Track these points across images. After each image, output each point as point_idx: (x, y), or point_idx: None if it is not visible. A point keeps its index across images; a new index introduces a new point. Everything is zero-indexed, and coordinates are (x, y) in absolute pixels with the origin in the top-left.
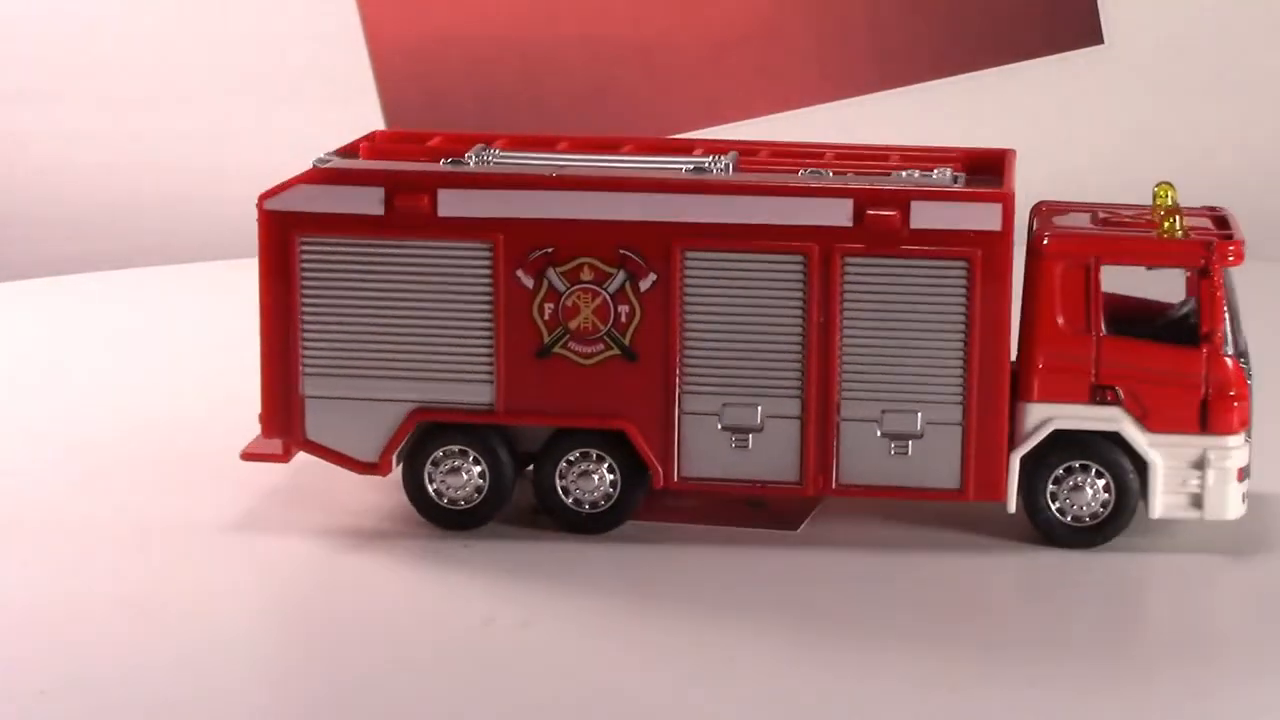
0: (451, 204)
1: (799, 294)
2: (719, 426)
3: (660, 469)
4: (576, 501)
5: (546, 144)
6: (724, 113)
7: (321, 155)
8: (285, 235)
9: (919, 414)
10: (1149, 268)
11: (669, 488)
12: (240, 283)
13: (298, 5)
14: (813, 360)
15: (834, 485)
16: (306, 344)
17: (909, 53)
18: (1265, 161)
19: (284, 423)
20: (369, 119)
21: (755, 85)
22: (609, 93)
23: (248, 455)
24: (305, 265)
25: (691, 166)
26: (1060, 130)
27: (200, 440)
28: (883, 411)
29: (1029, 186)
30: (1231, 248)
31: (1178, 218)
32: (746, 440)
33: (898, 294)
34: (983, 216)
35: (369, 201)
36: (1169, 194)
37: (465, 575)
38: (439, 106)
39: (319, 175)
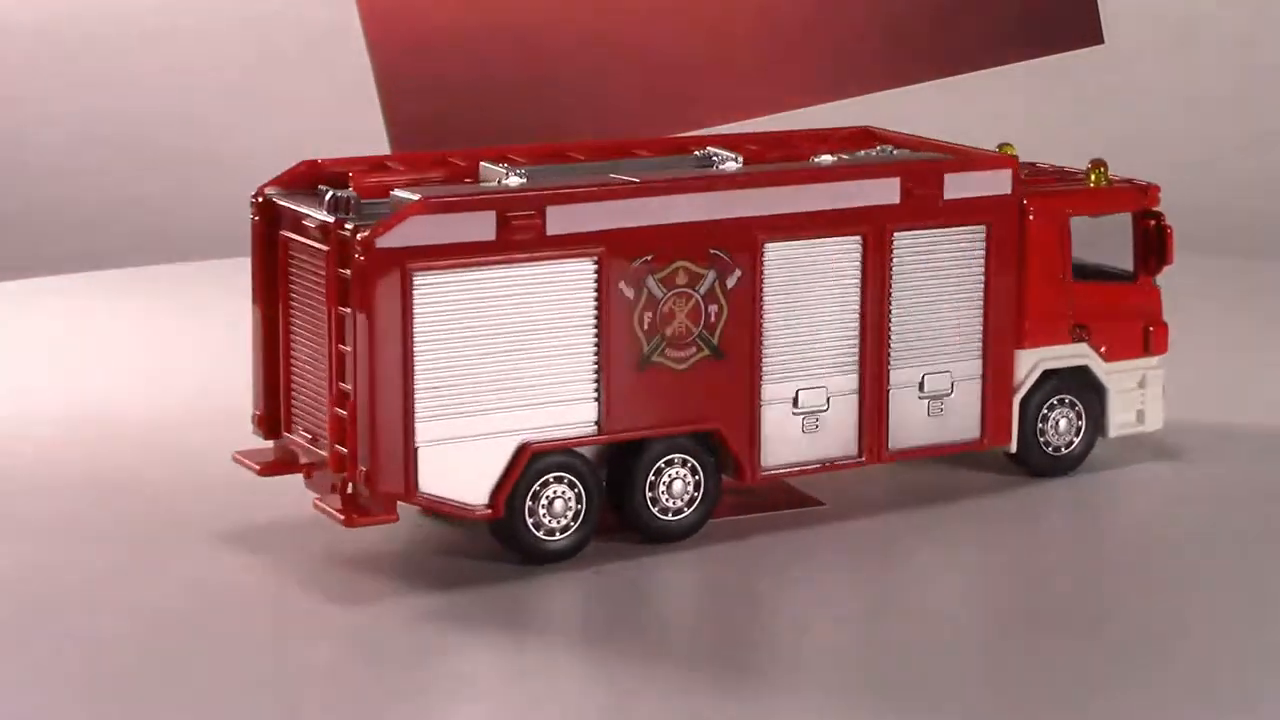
0: (560, 221)
1: (857, 273)
2: (793, 413)
3: (747, 465)
4: (663, 510)
5: (498, 155)
6: (724, 113)
7: (321, 188)
8: (401, 273)
9: (950, 373)
10: (1095, 216)
11: (753, 483)
12: (238, 282)
13: (298, 5)
14: (867, 335)
15: (886, 453)
16: (421, 387)
17: (909, 52)
18: (1265, 161)
19: (399, 477)
20: (368, 119)
21: (755, 85)
22: (609, 93)
23: (354, 522)
24: (420, 302)
25: (702, 161)
26: (1060, 130)
27: (200, 442)
28: (924, 375)
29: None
30: (1156, 190)
31: (1102, 170)
32: (816, 423)
33: (934, 263)
34: (997, 182)
35: (481, 227)
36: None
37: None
38: (439, 106)
39: (430, 206)
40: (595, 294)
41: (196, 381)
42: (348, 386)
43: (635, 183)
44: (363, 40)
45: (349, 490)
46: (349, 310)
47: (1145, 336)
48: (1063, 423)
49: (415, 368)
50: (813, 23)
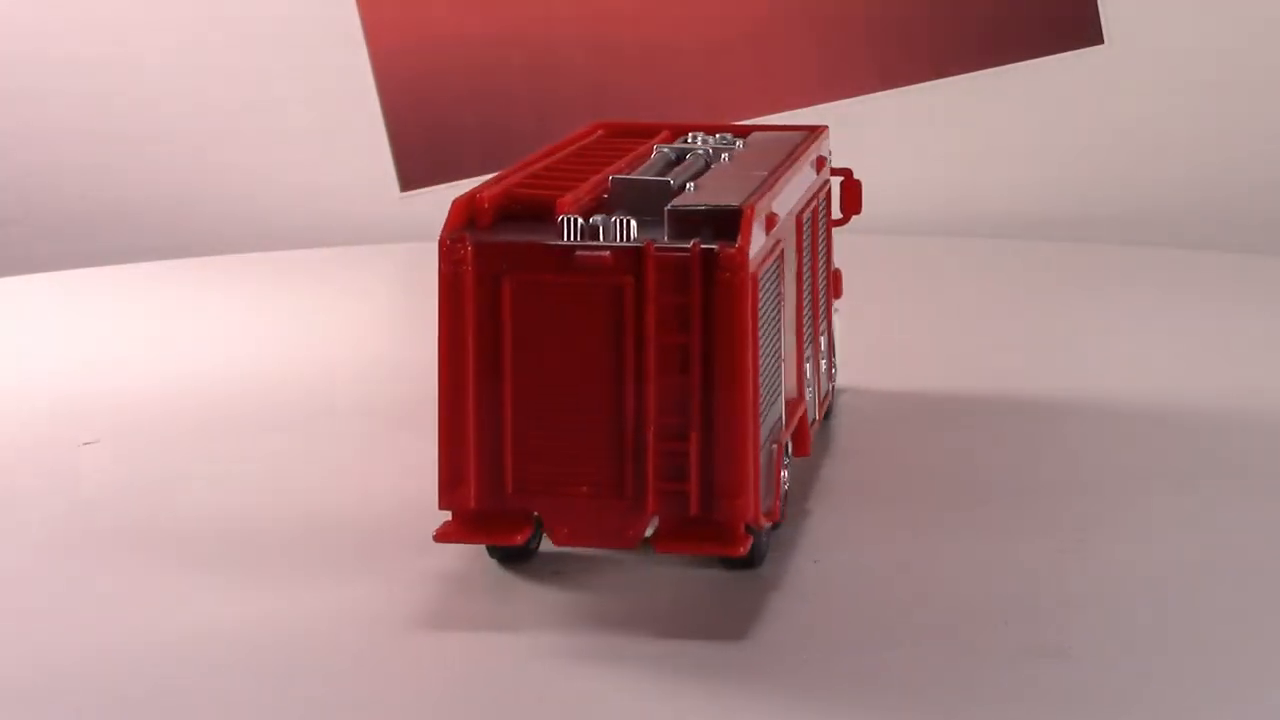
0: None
1: (811, 244)
2: (807, 384)
3: (808, 437)
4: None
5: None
6: (724, 113)
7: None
8: (755, 285)
9: (824, 335)
10: None
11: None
12: (238, 281)
13: (297, 6)
14: (816, 309)
15: (819, 417)
16: (762, 402)
17: (909, 53)
18: (1265, 161)
19: (754, 501)
20: (368, 120)
21: (755, 85)
22: (609, 93)
23: (742, 551)
24: (759, 315)
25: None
26: (1060, 130)
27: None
28: (821, 337)
29: (1030, 185)
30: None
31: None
32: (812, 392)
33: (821, 228)
34: (825, 148)
35: (762, 230)
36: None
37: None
38: (439, 107)
39: (754, 213)
40: (778, 283)
41: (202, 380)
42: (672, 420)
43: (764, 174)
44: (363, 40)
45: (654, 529)
46: (688, 336)
47: (837, 283)
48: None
49: (756, 379)
50: (812, 23)
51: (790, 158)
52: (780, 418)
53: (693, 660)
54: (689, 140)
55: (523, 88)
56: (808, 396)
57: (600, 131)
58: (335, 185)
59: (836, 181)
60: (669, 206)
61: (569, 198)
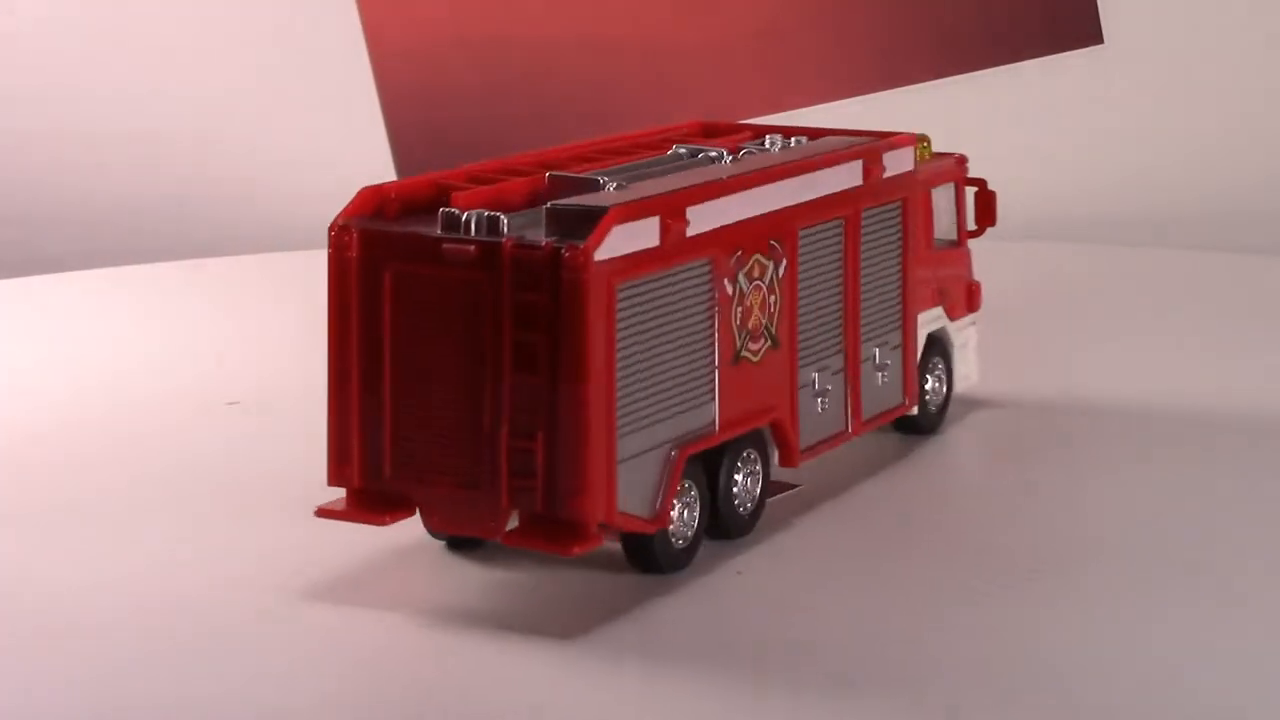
0: (695, 222)
1: (841, 254)
2: (813, 394)
3: (794, 449)
4: (740, 505)
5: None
6: (725, 113)
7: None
8: (609, 288)
9: (889, 344)
10: (936, 187)
11: (796, 465)
12: (237, 281)
13: (298, 6)
14: (849, 313)
15: (860, 426)
16: (621, 402)
17: (909, 53)
18: (1265, 161)
19: (604, 500)
20: (369, 120)
21: (755, 85)
22: (609, 93)
23: (574, 551)
24: (621, 316)
25: (692, 154)
26: (1060, 130)
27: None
28: (875, 348)
29: (1029, 185)
30: (965, 159)
31: (926, 144)
32: (826, 402)
33: (881, 241)
34: (907, 160)
35: (650, 233)
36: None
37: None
38: (439, 108)
39: (624, 213)
40: (711, 293)
41: (202, 380)
42: (524, 416)
43: (729, 179)
44: (363, 41)
45: (515, 523)
46: (533, 334)
47: (969, 295)
48: (935, 381)
49: (618, 383)
50: (813, 23)
51: (795, 166)
52: (702, 426)
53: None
54: (764, 143)
55: (522, 88)
56: (817, 408)
57: (685, 129)
58: (336, 185)
59: (953, 191)
60: (548, 204)
61: (470, 193)
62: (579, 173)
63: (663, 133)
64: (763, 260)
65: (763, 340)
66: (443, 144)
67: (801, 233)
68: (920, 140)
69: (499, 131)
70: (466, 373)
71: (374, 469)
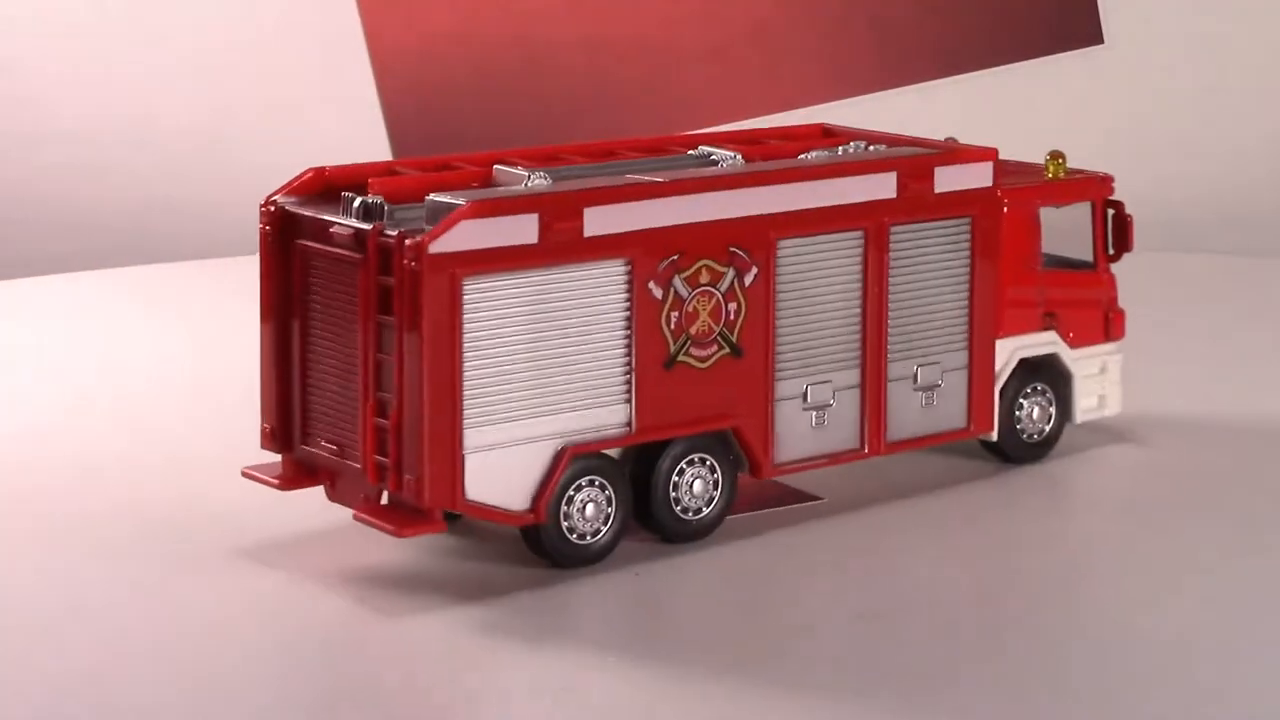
0: (596, 222)
1: (859, 268)
2: (803, 408)
3: (762, 461)
4: (684, 510)
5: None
6: (724, 113)
7: (347, 193)
8: (452, 279)
9: (940, 364)
10: (1059, 206)
11: (766, 477)
12: (238, 282)
13: (298, 6)
14: (867, 329)
15: (885, 445)
16: (469, 394)
17: (909, 53)
18: (1264, 161)
19: (447, 487)
20: (369, 120)
21: (755, 85)
22: (609, 93)
23: (404, 533)
24: (469, 308)
25: (702, 158)
26: (1060, 130)
27: (203, 441)
28: (917, 367)
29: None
30: (1111, 179)
31: (1060, 161)
32: (824, 417)
33: (926, 256)
34: (981, 175)
35: (525, 230)
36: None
37: (730, 593)
38: (439, 107)
39: (480, 208)
40: (627, 295)
41: (195, 385)
42: (387, 396)
43: (662, 182)
44: (363, 41)
45: (385, 500)
46: (392, 318)
47: (1106, 323)
48: (1036, 410)
49: (464, 374)
50: (812, 23)
51: (771, 175)
52: (606, 426)
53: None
54: (854, 148)
55: (523, 87)
56: (808, 422)
57: (807, 131)
58: None
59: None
60: (429, 196)
61: (387, 180)
62: (587, 165)
63: (783, 133)
64: (715, 266)
65: (715, 347)
66: (443, 144)
67: (783, 242)
68: (1054, 156)
69: (499, 131)
70: (347, 350)
71: (289, 438)
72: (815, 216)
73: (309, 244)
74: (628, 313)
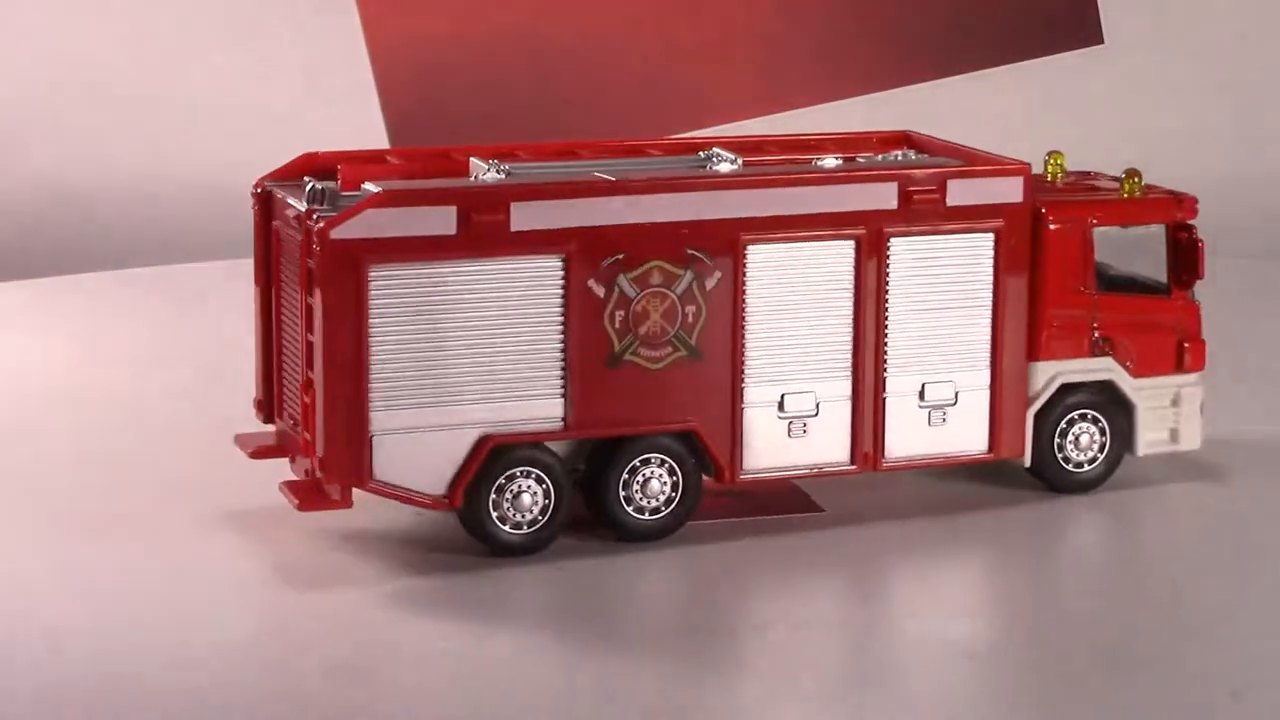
0: (525, 217)
1: (850, 276)
2: (778, 416)
3: (726, 466)
4: (639, 509)
5: (506, 154)
6: (724, 113)
7: (305, 179)
8: (355, 265)
9: (953, 382)
10: (1124, 226)
11: (732, 484)
12: (239, 283)
13: (298, 6)
14: (861, 340)
15: (883, 462)
16: (377, 378)
17: (909, 53)
18: (1265, 161)
19: (351, 466)
20: (369, 119)
21: (755, 85)
22: (609, 93)
23: (307, 506)
24: (376, 295)
25: (699, 162)
26: (1060, 130)
27: (200, 440)
28: (923, 384)
29: None
30: (1193, 202)
31: (1136, 179)
32: (804, 427)
33: (934, 268)
34: (1007, 189)
35: (442, 222)
36: (1059, 160)
37: (647, 586)
38: (439, 106)
39: (388, 198)
40: (563, 291)
41: (199, 382)
42: (312, 374)
43: (609, 181)
44: (363, 41)
45: (311, 475)
46: (312, 299)
47: (1179, 352)
48: (1084, 438)
49: (371, 358)
50: (813, 23)
51: (737, 180)
52: (535, 420)
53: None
54: (899, 156)
55: (523, 87)
56: (784, 432)
57: (886, 136)
58: None
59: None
60: (364, 183)
61: (362, 166)
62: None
63: (863, 137)
64: (669, 268)
65: (669, 349)
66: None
67: (754, 248)
68: (1130, 175)
69: (499, 130)
70: (297, 327)
71: (271, 409)
72: (793, 222)
73: (278, 224)
74: (563, 309)
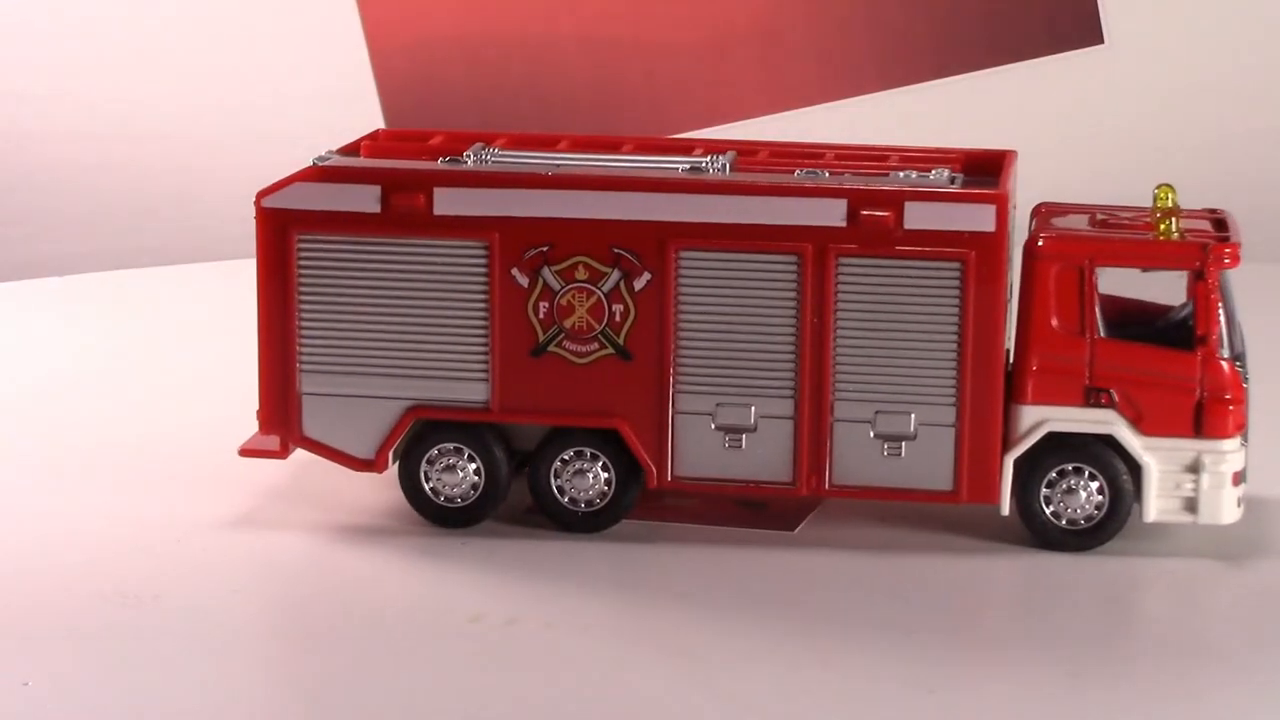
0: (447, 203)
1: (793, 294)
2: (713, 426)
3: (654, 468)
4: (572, 500)
5: (547, 143)
6: (724, 113)
7: (322, 153)
8: (283, 233)
9: (912, 415)
10: (1144, 270)
11: (662, 487)
12: (240, 283)
13: (298, 5)
14: (806, 360)
15: (827, 486)
16: (304, 341)
17: (909, 53)
18: (1265, 161)
19: (282, 419)
20: (369, 119)
21: (755, 85)
22: (609, 93)
23: (246, 451)
24: (303, 263)
25: (688, 166)
26: (1060, 130)
27: (199, 439)
28: (876, 413)
29: (1029, 186)
30: (1228, 250)
31: (1174, 220)
32: (740, 440)
33: (891, 295)
34: (976, 217)
35: (366, 199)
36: (1169, 196)
37: (458, 572)
38: (439, 107)
39: (316, 173)
40: (485, 277)
41: (199, 381)
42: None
43: (536, 174)
44: (363, 40)
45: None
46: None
47: (1197, 413)
48: (1081, 494)
49: (299, 322)
50: (813, 24)
51: (670, 183)
52: (459, 400)
53: None
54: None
55: (523, 87)
56: (721, 443)
57: (946, 153)
58: None
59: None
60: (315, 157)
61: (388, 144)
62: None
63: (925, 153)
64: (595, 265)
65: (596, 345)
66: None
67: (685, 253)
68: (1166, 215)
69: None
70: None
71: None
72: (728, 231)
73: None
74: (486, 295)
